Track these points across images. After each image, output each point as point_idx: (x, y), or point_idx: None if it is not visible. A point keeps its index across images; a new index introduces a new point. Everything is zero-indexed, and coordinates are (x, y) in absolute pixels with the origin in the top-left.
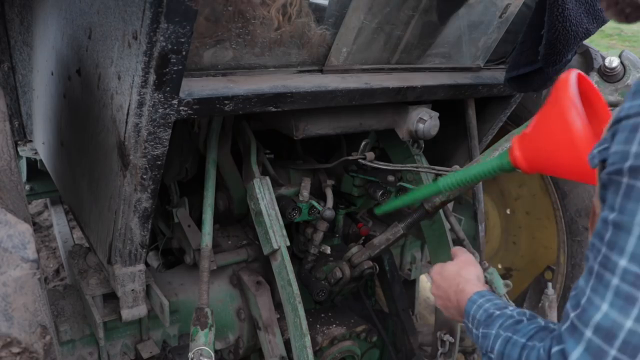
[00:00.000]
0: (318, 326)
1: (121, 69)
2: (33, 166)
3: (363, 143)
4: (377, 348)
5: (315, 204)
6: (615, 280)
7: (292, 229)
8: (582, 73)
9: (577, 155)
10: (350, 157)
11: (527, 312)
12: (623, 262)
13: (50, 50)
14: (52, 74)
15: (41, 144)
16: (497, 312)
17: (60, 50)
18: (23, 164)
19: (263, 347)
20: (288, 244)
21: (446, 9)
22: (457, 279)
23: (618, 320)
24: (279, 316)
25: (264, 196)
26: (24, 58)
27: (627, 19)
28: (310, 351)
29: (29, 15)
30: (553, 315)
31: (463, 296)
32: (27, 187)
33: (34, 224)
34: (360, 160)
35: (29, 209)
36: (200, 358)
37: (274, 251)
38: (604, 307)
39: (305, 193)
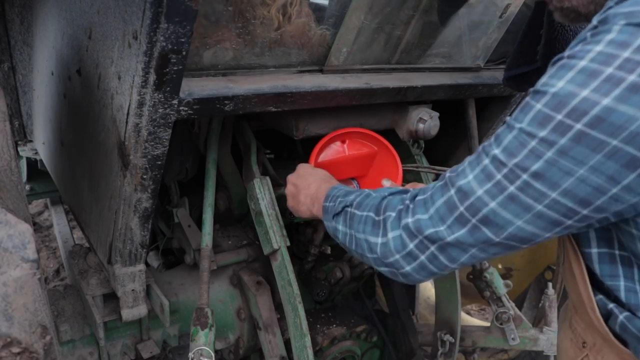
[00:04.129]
0: (318, 326)
1: (121, 69)
2: (33, 166)
3: None
4: (377, 348)
5: None
6: (486, 161)
7: (293, 229)
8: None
9: None
10: None
11: None
12: (495, 150)
13: (51, 50)
14: (53, 74)
15: (41, 144)
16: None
17: (60, 50)
18: (23, 164)
19: (263, 347)
20: (288, 244)
21: (446, 9)
22: (317, 174)
23: (474, 188)
24: (279, 316)
25: (264, 196)
26: (24, 58)
27: (572, 21)
28: (310, 351)
29: (29, 15)
30: (553, 316)
31: (327, 185)
32: (27, 187)
33: (34, 224)
34: None
35: (29, 209)
36: (201, 358)
37: (274, 251)
38: (470, 176)
39: None
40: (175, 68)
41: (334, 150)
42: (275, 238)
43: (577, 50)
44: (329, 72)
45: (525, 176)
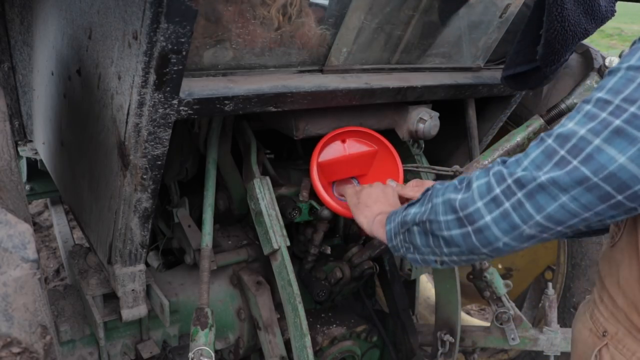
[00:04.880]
0: (318, 326)
1: (121, 69)
2: (33, 166)
3: None
4: (377, 348)
5: (315, 204)
6: (588, 106)
7: (293, 229)
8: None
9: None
10: None
11: None
12: (599, 94)
13: (51, 50)
14: (53, 74)
15: (41, 144)
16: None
17: (60, 50)
18: (23, 164)
19: (263, 347)
20: (288, 244)
21: (446, 9)
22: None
23: (576, 130)
24: (279, 316)
25: (264, 196)
26: (24, 58)
27: None
28: (310, 351)
29: (29, 15)
30: (553, 316)
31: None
32: (27, 187)
33: (34, 224)
34: None
35: (29, 209)
36: (201, 358)
37: (274, 251)
38: (570, 124)
39: (305, 193)
40: (175, 68)
41: (334, 150)
42: (275, 238)
43: None
44: (329, 72)
45: (633, 108)
